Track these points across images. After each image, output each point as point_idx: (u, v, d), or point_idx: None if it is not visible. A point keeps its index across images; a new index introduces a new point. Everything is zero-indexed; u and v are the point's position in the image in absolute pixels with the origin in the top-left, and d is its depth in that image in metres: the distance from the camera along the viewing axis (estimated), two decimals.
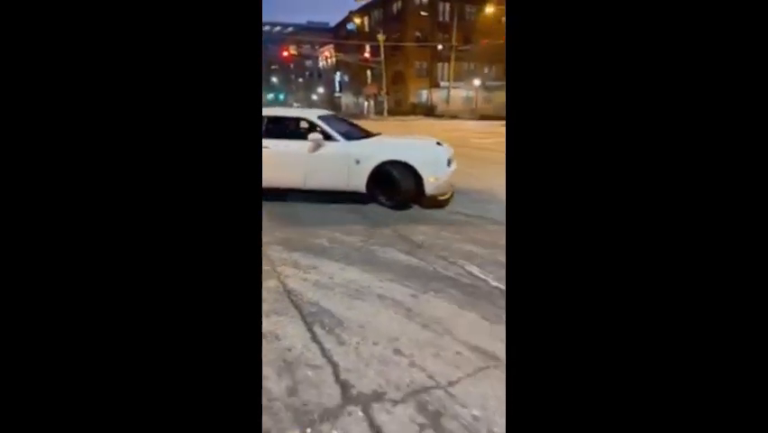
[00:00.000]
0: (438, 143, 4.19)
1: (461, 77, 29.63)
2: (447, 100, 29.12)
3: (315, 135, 4.00)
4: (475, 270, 2.51)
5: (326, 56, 41.99)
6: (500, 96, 28.55)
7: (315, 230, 3.34)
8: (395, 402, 1.40)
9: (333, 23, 43.49)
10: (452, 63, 28.35)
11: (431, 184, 3.75)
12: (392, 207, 3.93)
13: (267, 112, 4.39)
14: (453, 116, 23.88)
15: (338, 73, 40.04)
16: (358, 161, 3.91)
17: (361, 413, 1.35)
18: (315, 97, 46.53)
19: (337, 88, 41.42)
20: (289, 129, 4.43)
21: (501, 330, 1.83)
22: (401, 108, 29.99)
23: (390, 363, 1.61)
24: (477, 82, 29.01)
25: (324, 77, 46.27)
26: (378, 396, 1.43)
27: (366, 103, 33.58)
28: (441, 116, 26.17)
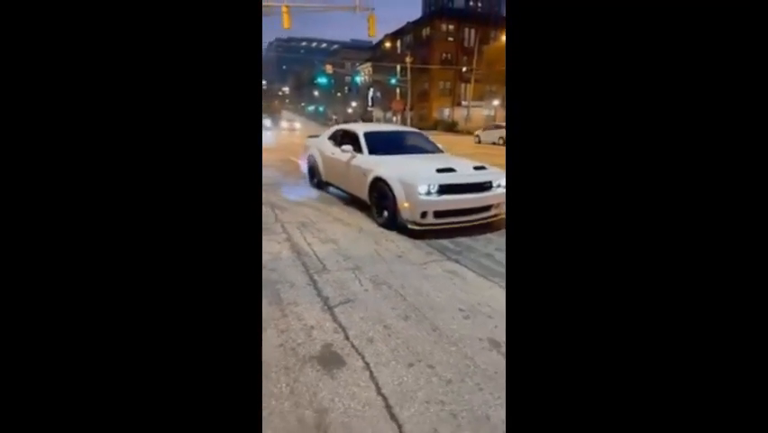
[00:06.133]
0: (474, 167, 4.06)
1: (482, 97, 32.00)
2: (467, 118, 31.50)
3: (346, 147, 4.66)
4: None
5: (366, 74, 45.86)
6: None
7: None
8: (291, 224, 4.10)
9: (376, 42, 46.72)
10: (472, 84, 30.86)
11: (404, 210, 3.66)
12: (379, 225, 4.02)
13: (341, 127, 5.57)
14: (473, 133, 26.00)
15: (371, 89, 43.63)
16: (365, 174, 4.21)
17: (280, 227, 4.02)
18: (350, 111, 50.44)
19: (369, 103, 44.97)
20: (349, 140, 5.02)
21: (353, 214, 4.49)
22: (424, 123, 32.67)
23: (300, 216, 4.36)
24: (496, 102, 31.29)
25: (359, 92, 50.22)
26: (288, 223, 4.12)
27: (394, 117, 36.59)
28: (459, 132, 28.60)
